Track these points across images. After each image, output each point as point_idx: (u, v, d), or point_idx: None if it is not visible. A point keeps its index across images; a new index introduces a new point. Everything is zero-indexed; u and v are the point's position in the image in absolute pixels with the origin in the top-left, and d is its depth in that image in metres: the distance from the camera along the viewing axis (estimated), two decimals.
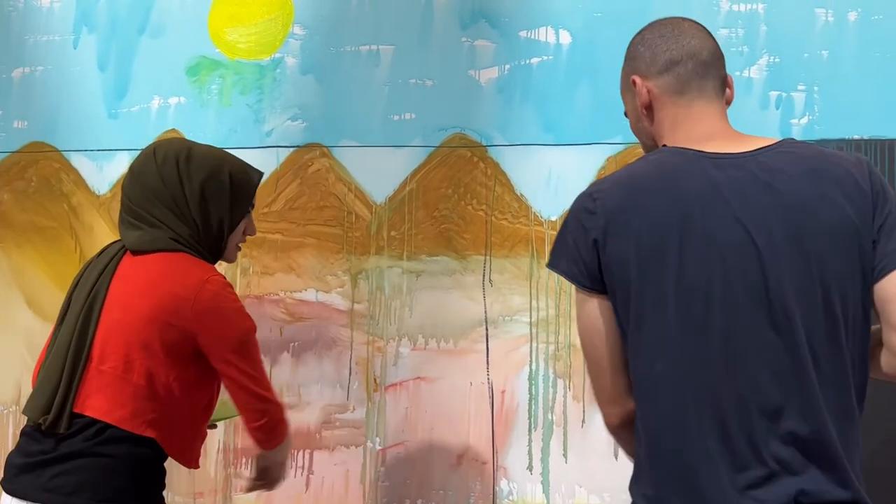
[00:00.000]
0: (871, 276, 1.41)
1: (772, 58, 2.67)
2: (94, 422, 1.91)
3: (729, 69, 1.68)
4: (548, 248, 2.72)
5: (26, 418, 1.99)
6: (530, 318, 2.73)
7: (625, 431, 1.53)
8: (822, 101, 2.64)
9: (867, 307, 1.43)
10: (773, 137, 1.55)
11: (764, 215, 1.41)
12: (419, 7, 2.84)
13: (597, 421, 2.67)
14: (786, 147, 1.49)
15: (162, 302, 1.91)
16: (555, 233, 2.71)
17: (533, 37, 2.78)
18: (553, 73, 2.76)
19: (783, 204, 1.41)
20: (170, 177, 1.98)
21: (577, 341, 2.64)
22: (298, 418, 2.81)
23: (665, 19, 1.66)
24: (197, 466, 2.09)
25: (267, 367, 2.83)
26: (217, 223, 2.02)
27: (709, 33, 1.63)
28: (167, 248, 1.97)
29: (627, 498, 2.64)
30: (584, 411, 2.69)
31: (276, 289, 2.86)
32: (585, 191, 1.56)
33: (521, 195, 2.77)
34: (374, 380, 2.80)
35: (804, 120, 2.65)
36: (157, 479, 1.99)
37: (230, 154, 2.12)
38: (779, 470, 1.37)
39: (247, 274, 2.88)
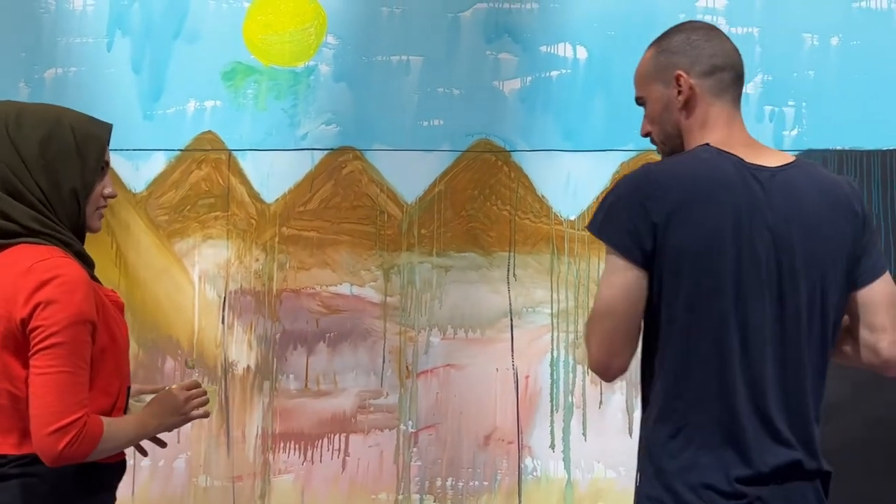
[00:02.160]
0: (855, 285, 1.71)
1: (765, 76, 2.99)
2: None
3: None
4: (567, 246, 2.99)
5: None
6: (551, 309, 2.98)
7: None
8: (809, 116, 2.99)
9: (841, 310, 1.72)
10: (779, 150, 1.82)
11: (788, 229, 1.63)
12: (447, 21, 3.06)
13: (613, 402, 2.96)
14: (803, 167, 1.72)
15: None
16: (574, 231, 2.99)
17: (553, 52, 3.04)
18: (571, 85, 3.02)
19: (803, 221, 1.65)
20: (1, 147, 1.69)
21: None
22: (335, 404, 3.00)
23: (702, 23, 1.80)
24: (122, 458, 1.80)
25: (304, 356, 3.02)
26: (69, 187, 1.71)
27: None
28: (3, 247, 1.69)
29: None
30: (601, 394, 2.95)
31: (312, 283, 3.03)
32: (641, 173, 1.65)
33: (543, 196, 3.01)
34: (407, 367, 3.00)
35: (794, 132, 2.99)
36: (86, 491, 1.72)
37: (68, 108, 1.81)
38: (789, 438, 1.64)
39: (284, 269, 3.04)
